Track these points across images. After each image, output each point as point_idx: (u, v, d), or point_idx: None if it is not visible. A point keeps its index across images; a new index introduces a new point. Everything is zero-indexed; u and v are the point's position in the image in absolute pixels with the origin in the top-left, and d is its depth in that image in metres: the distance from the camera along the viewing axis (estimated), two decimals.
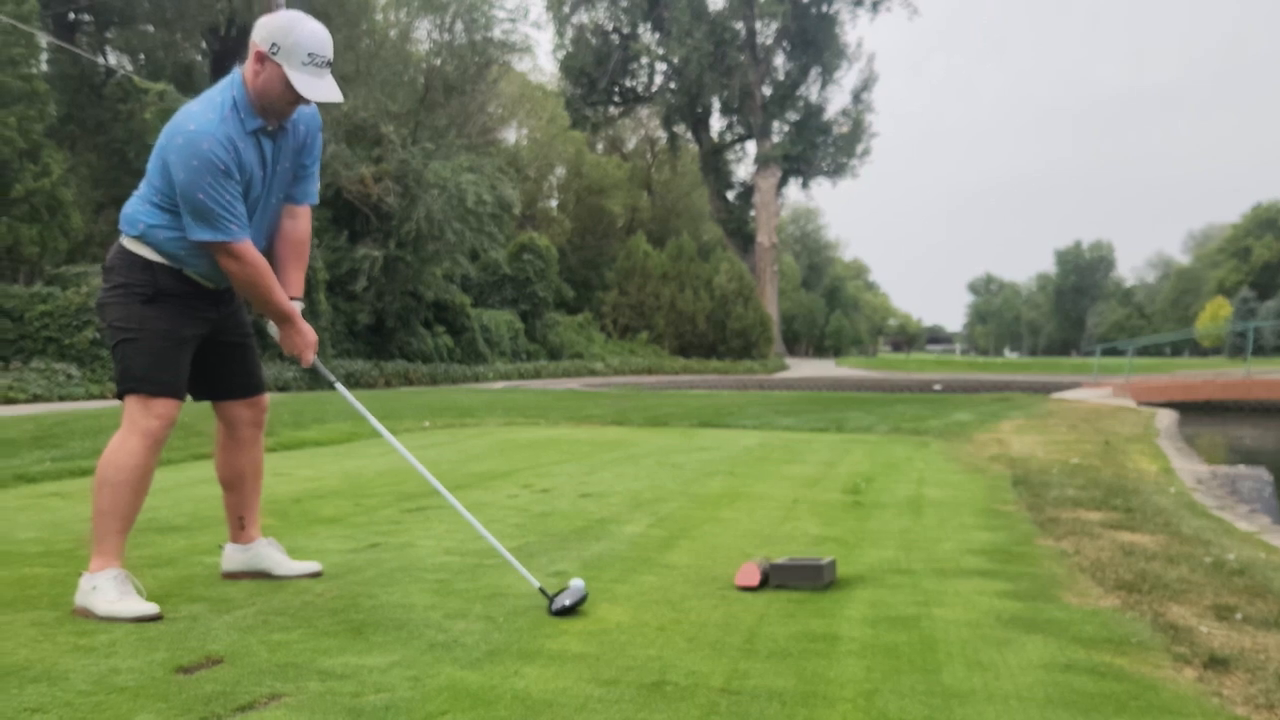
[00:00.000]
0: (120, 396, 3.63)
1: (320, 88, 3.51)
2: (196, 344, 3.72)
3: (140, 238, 3.57)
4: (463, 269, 30.75)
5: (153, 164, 3.57)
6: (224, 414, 3.94)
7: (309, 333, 3.83)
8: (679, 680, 2.82)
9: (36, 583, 3.87)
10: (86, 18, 30.39)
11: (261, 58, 3.47)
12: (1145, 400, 21.37)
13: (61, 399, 17.76)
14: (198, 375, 3.77)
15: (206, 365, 3.79)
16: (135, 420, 3.56)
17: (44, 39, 24.13)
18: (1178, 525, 5.52)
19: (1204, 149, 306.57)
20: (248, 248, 3.54)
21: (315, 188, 3.91)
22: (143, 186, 3.62)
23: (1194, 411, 20.94)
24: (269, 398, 4.07)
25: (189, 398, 3.79)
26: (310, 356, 3.84)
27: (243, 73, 3.55)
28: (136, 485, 3.56)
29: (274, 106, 3.54)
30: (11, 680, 2.71)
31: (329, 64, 3.55)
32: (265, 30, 3.48)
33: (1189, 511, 6.29)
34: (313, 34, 3.49)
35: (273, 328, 3.82)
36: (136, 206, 3.61)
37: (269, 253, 3.78)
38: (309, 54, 3.47)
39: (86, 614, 3.38)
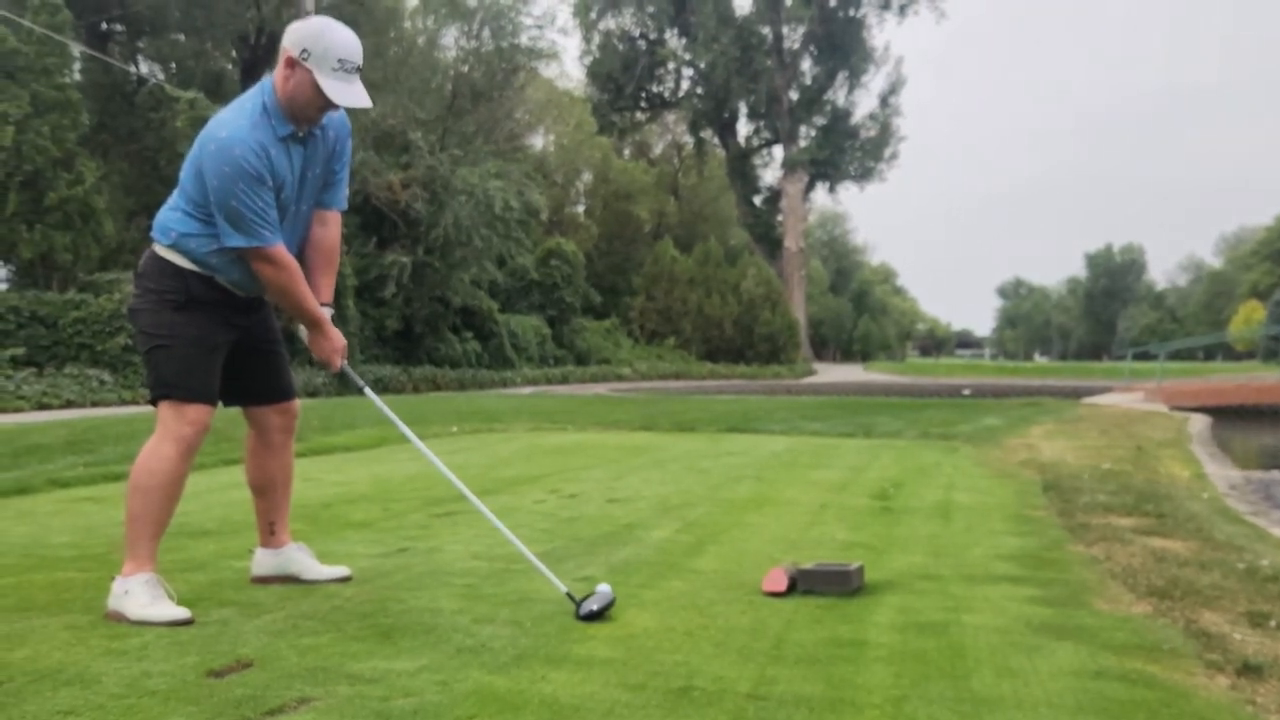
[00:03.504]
0: (153, 403, 3.66)
1: (350, 93, 3.54)
2: (228, 350, 3.75)
3: (173, 246, 3.61)
4: (490, 275, 30.85)
5: (186, 173, 3.60)
6: (254, 420, 3.97)
7: (338, 338, 3.85)
8: (706, 686, 2.82)
9: (70, 587, 3.91)
10: (118, 27, 30.75)
11: (292, 63, 3.50)
12: (1177, 405, 21.14)
13: (94, 404, 17.94)
14: (228, 381, 3.79)
15: (237, 371, 3.81)
16: (169, 426, 3.59)
17: (77, 49, 24.43)
18: (1210, 531, 5.47)
19: (1236, 150, 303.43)
20: (281, 252, 3.57)
21: (344, 193, 3.93)
22: (175, 195, 3.65)
23: (1227, 416, 20.65)
24: (299, 404, 4.10)
25: (220, 404, 3.82)
26: (339, 362, 3.86)
27: (273, 79, 3.58)
28: (170, 491, 3.59)
29: (304, 112, 3.56)
30: (45, 683, 2.74)
31: (358, 70, 3.58)
32: (296, 36, 3.51)
33: (1222, 517, 6.24)
34: (344, 40, 3.52)
35: (303, 332, 3.84)
36: (168, 215, 3.64)
37: (299, 259, 3.81)
38: (339, 60, 3.50)
39: (119, 618, 3.41)
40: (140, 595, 3.43)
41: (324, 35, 3.50)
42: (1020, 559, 4.72)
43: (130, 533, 3.56)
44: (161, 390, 3.62)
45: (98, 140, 26.57)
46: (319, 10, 25.84)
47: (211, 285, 3.64)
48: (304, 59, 3.48)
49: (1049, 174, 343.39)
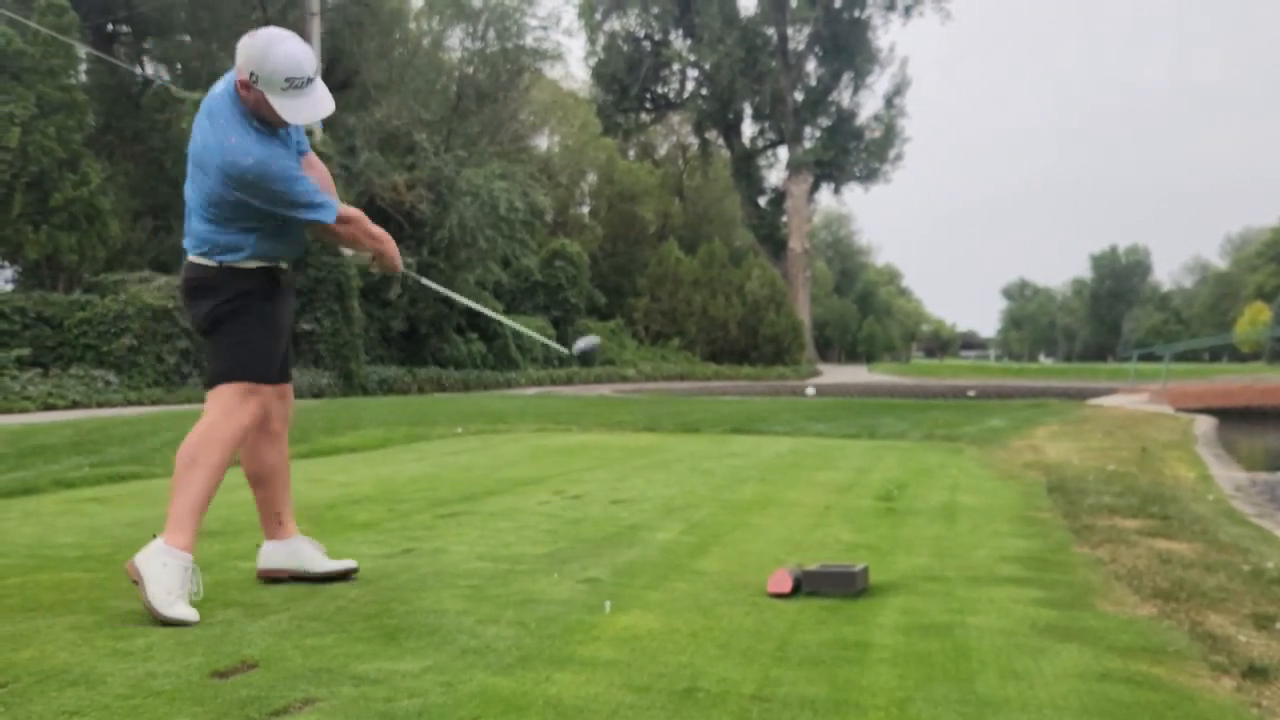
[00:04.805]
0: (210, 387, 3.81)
1: (303, 110, 3.56)
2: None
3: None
4: (495, 276, 30.88)
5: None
6: None
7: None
8: (710, 687, 2.82)
9: (75, 587, 3.92)
10: (124, 29, 30.80)
11: (246, 85, 3.55)
12: (1183, 406, 21.10)
13: (100, 405, 17.97)
14: None
15: None
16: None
17: (83, 50, 24.45)
18: (1215, 533, 5.46)
19: (1241, 151, 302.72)
20: None
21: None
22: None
23: (1233, 418, 20.60)
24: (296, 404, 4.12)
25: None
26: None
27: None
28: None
29: (279, 123, 3.65)
30: (51, 684, 2.74)
31: (310, 80, 3.57)
32: (243, 57, 3.52)
33: (1227, 519, 6.22)
34: (286, 56, 3.51)
35: (354, 254, 3.97)
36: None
37: None
38: (286, 79, 3.51)
39: (136, 577, 3.41)
40: (173, 579, 3.41)
41: (268, 56, 3.50)
42: (1025, 561, 4.71)
43: (179, 508, 3.57)
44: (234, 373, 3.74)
45: (103, 141, 26.62)
46: (323, 13, 25.89)
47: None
48: (254, 82, 3.52)
49: (1054, 175, 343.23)
